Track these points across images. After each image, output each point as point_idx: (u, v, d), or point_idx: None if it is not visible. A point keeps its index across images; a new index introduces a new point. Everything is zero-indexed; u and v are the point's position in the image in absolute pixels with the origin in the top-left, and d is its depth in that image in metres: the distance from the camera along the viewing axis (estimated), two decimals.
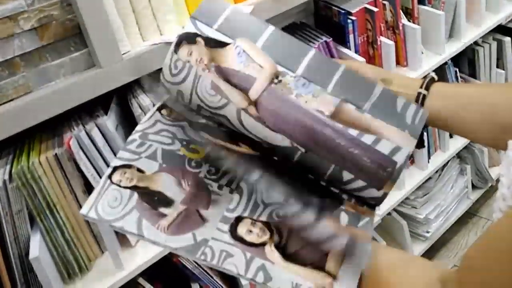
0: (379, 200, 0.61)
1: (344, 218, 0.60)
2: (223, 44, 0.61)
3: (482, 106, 0.65)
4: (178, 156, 0.63)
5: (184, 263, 1.19)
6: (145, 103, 1.00)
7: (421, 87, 0.68)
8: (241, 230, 0.58)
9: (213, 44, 0.61)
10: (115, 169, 0.61)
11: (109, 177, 0.60)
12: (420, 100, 0.67)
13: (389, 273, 0.56)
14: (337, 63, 0.62)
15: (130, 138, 0.64)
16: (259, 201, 0.60)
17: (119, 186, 0.60)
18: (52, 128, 1.00)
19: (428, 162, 1.76)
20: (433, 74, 0.70)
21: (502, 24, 1.79)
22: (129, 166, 0.61)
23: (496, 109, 0.64)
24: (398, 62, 1.50)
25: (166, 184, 0.60)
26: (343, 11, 1.34)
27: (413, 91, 0.68)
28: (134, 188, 0.60)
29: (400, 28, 1.46)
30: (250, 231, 0.58)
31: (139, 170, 0.61)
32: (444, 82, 0.70)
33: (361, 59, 1.33)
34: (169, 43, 0.98)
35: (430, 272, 0.54)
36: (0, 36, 0.83)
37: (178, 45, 0.62)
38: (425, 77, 0.69)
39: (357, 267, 0.56)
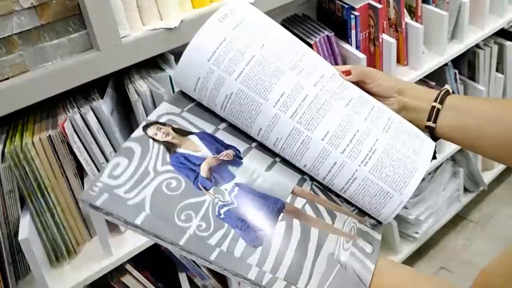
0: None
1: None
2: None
3: (497, 125, 0.65)
4: None
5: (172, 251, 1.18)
6: (142, 89, 0.99)
7: (435, 100, 0.68)
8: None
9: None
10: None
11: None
12: (434, 113, 0.68)
13: None
14: None
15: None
16: None
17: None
18: (47, 110, 0.99)
19: None
20: (448, 87, 0.70)
21: (504, 28, 1.78)
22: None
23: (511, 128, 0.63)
24: (398, 61, 1.50)
25: None
26: (346, 6, 1.33)
27: (427, 104, 0.69)
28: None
29: (403, 26, 1.45)
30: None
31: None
32: (459, 95, 0.70)
33: (362, 55, 1.32)
34: (169, 29, 0.97)
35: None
36: None
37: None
38: (440, 90, 0.69)
39: None
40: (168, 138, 0.60)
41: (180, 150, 0.60)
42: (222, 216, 0.55)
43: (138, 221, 0.53)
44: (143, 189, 0.55)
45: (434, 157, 0.71)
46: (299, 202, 0.60)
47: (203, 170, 0.59)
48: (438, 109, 0.68)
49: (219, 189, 0.58)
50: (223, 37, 0.62)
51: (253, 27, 0.64)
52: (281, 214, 0.58)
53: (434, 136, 0.70)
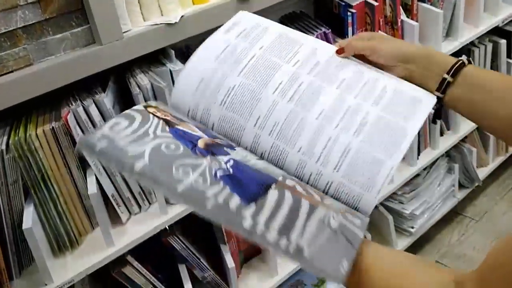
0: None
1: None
2: None
3: (501, 101, 0.64)
4: None
5: (172, 243, 1.20)
6: (143, 82, 1.01)
7: (448, 72, 0.66)
8: None
9: None
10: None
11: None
12: (444, 85, 0.66)
13: (401, 278, 0.56)
14: None
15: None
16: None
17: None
18: (50, 103, 1.01)
19: (418, 158, 1.78)
20: (464, 59, 0.67)
21: (499, 26, 1.81)
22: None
23: None
24: None
25: None
26: (343, 3, 1.35)
27: (438, 75, 0.67)
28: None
29: (399, 23, 1.47)
30: None
31: None
32: (475, 68, 0.68)
33: None
34: (170, 24, 0.99)
35: (441, 273, 0.54)
36: (4, 7, 0.84)
37: None
38: (456, 61, 0.67)
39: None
40: (167, 118, 0.65)
41: (179, 127, 0.64)
42: (218, 177, 0.58)
43: (137, 168, 0.54)
44: (142, 145, 0.57)
45: (439, 117, 0.72)
46: (290, 182, 0.63)
47: (200, 144, 0.62)
48: (449, 82, 0.66)
49: (216, 158, 0.61)
50: (227, 44, 0.72)
51: (253, 34, 0.74)
52: (274, 185, 0.61)
53: (441, 104, 0.69)
